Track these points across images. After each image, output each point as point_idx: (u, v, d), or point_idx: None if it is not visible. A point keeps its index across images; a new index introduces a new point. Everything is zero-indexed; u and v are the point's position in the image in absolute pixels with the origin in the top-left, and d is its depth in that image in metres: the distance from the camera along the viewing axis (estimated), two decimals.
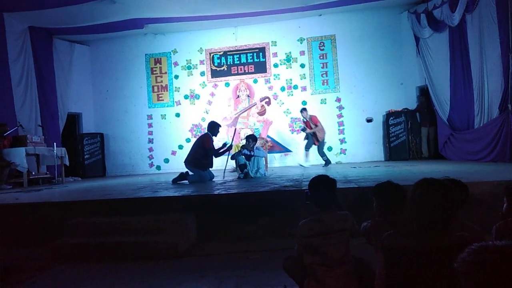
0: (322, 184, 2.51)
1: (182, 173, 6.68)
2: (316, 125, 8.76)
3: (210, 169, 6.93)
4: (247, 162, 6.78)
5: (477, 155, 7.34)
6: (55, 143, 8.10)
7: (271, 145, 10.21)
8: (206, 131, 7.09)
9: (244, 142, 8.00)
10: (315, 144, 8.73)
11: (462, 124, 8.10)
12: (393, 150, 9.65)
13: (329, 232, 2.32)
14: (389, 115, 9.74)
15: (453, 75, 8.27)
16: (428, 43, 9.12)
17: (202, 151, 6.73)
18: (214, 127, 6.98)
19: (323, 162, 8.71)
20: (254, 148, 7.00)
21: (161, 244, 3.72)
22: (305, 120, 8.98)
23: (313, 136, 8.73)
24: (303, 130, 9.01)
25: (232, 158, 7.22)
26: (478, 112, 7.44)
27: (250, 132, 10.64)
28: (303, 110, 9.03)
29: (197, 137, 8.22)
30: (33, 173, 8.08)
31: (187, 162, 6.78)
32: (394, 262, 1.65)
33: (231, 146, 7.07)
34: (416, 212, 1.62)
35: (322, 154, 8.70)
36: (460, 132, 8.09)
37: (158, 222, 4.07)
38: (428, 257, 1.54)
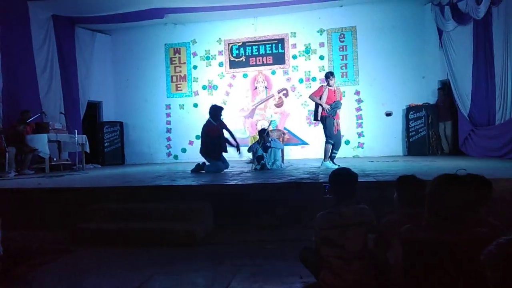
0: (344, 177, 2.51)
1: (198, 164, 6.74)
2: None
3: (225, 156, 6.81)
4: (264, 154, 6.79)
5: (498, 151, 7.18)
6: (76, 131, 8.27)
7: (288, 137, 10.20)
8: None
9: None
10: (335, 131, 6.63)
11: (482, 119, 7.92)
12: (412, 145, 9.51)
13: (347, 225, 2.33)
14: (409, 109, 9.59)
15: (476, 69, 8.08)
16: (452, 36, 8.91)
17: (209, 139, 6.57)
18: (215, 111, 6.74)
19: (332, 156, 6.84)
20: (271, 140, 7.00)
21: (179, 231, 3.79)
22: (330, 88, 6.61)
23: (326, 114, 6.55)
24: (334, 107, 6.54)
25: (248, 150, 7.25)
26: (499, 108, 7.27)
27: (266, 124, 10.66)
28: (331, 74, 6.73)
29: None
30: (55, 159, 8.29)
31: (201, 152, 6.77)
32: (413, 254, 1.66)
33: (238, 147, 6.93)
34: (435, 206, 1.62)
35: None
36: (481, 128, 7.92)
37: (176, 209, 4.14)
38: (446, 250, 1.55)
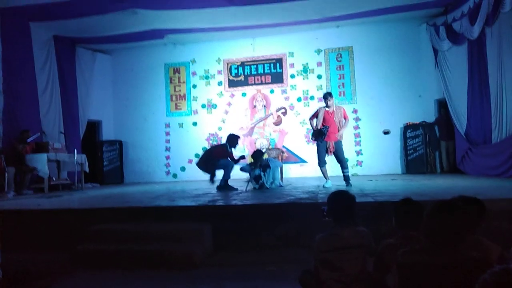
0: (341, 200, 2.53)
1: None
2: (344, 121, 6.64)
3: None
4: (262, 174, 6.79)
5: (496, 170, 7.22)
6: (75, 150, 8.30)
7: (287, 155, 10.23)
8: (224, 141, 7.29)
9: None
10: (329, 153, 6.54)
11: (479, 138, 7.99)
12: (411, 163, 9.56)
13: (346, 248, 2.34)
14: (406, 127, 9.67)
15: (471, 88, 8.19)
16: (447, 55, 9.06)
17: (213, 160, 6.94)
18: (233, 140, 7.10)
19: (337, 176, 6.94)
20: (269, 160, 7.02)
21: (177, 253, 3.79)
22: (326, 109, 6.54)
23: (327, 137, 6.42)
24: (318, 134, 6.50)
25: (241, 170, 7.19)
26: (495, 127, 7.34)
27: (265, 142, 10.72)
28: (329, 95, 6.64)
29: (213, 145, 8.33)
30: (54, 179, 8.30)
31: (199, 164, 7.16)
32: (408, 278, 1.69)
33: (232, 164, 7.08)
34: (429, 231, 1.67)
35: (346, 164, 6.63)
36: (478, 146, 7.98)
37: (175, 231, 4.14)
38: (441, 274, 1.58)
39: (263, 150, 8.50)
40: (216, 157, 6.92)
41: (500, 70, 7.11)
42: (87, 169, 8.74)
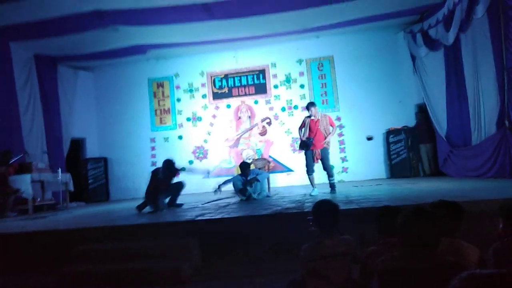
0: (325, 209, 2.58)
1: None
2: (331, 128, 6.75)
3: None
4: (248, 186, 6.80)
5: (477, 171, 7.39)
6: (59, 169, 8.20)
7: (273, 165, 10.29)
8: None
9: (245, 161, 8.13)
10: (315, 161, 6.61)
11: (459, 140, 8.18)
12: (395, 168, 9.71)
13: (331, 256, 2.39)
14: (389, 133, 9.85)
15: (449, 92, 8.41)
16: (424, 61, 9.29)
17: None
18: (169, 168, 6.61)
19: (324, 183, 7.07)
20: (255, 173, 7.04)
21: (165, 269, 3.77)
22: (311, 118, 6.66)
23: (313, 146, 6.55)
24: (303, 145, 6.67)
25: (224, 183, 7.01)
26: (474, 129, 7.53)
27: (252, 153, 10.76)
28: (311, 104, 6.78)
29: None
30: (38, 199, 8.16)
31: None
32: (388, 284, 1.73)
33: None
34: (405, 237, 1.72)
35: (331, 172, 6.74)
36: (459, 148, 8.16)
37: (162, 247, 4.12)
38: (418, 279, 1.62)
39: (249, 161, 8.54)
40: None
41: (476, 74, 7.33)
42: (72, 188, 8.64)
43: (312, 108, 6.69)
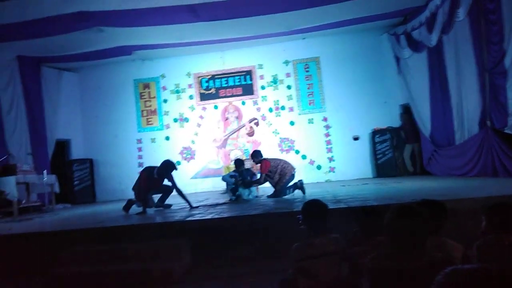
0: (313, 209, 2.63)
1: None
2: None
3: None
4: (240, 188, 6.84)
5: (460, 170, 7.57)
6: (45, 171, 8.09)
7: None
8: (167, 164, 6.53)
9: (232, 163, 8.15)
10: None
11: (443, 140, 8.36)
12: (381, 167, 9.86)
13: (321, 255, 2.43)
14: (374, 133, 9.99)
15: (433, 93, 8.58)
16: (408, 63, 9.46)
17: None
18: (167, 168, 6.46)
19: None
20: (251, 173, 7.09)
21: (156, 271, 3.78)
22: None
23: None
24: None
25: (223, 179, 7.30)
26: (458, 129, 7.71)
27: (240, 153, 10.77)
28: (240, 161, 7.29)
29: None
30: (23, 201, 8.03)
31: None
32: (378, 283, 1.78)
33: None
34: (391, 236, 1.77)
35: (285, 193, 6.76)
36: (443, 148, 8.34)
37: (152, 248, 4.12)
38: (407, 277, 1.68)
39: (243, 158, 8.57)
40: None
41: (459, 75, 7.51)
42: (57, 190, 8.52)
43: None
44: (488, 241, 2.27)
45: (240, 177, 6.93)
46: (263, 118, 10.91)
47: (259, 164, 7.06)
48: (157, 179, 6.40)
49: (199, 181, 10.78)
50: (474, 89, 7.02)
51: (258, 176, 7.27)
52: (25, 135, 9.31)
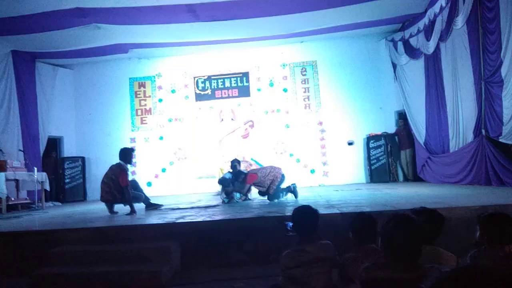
0: (304, 215, 2.58)
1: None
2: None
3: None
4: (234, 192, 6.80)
5: (454, 178, 7.56)
6: (35, 168, 7.98)
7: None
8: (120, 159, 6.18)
9: (227, 164, 8.09)
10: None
11: (437, 147, 8.36)
12: (374, 173, 9.84)
13: (311, 262, 2.38)
14: (369, 138, 9.98)
15: (428, 100, 8.59)
16: (405, 69, 9.47)
17: (119, 187, 5.90)
18: (126, 154, 6.25)
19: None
20: (244, 176, 7.03)
21: (144, 273, 3.69)
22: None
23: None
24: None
25: (219, 182, 7.22)
26: (453, 136, 7.72)
27: (234, 155, 10.69)
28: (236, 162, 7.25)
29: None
30: (12, 198, 7.91)
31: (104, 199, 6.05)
32: None
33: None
34: (387, 246, 1.72)
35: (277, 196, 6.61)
36: (437, 155, 8.34)
37: (141, 250, 4.04)
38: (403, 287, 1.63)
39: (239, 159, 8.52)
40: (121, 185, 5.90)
41: (455, 83, 7.51)
42: (48, 188, 8.42)
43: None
44: (482, 252, 2.23)
45: (234, 178, 6.88)
46: (259, 120, 10.86)
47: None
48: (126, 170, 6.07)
49: (193, 182, 10.69)
50: (470, 97, 7.03)
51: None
52: (16, 131, 9.18)
